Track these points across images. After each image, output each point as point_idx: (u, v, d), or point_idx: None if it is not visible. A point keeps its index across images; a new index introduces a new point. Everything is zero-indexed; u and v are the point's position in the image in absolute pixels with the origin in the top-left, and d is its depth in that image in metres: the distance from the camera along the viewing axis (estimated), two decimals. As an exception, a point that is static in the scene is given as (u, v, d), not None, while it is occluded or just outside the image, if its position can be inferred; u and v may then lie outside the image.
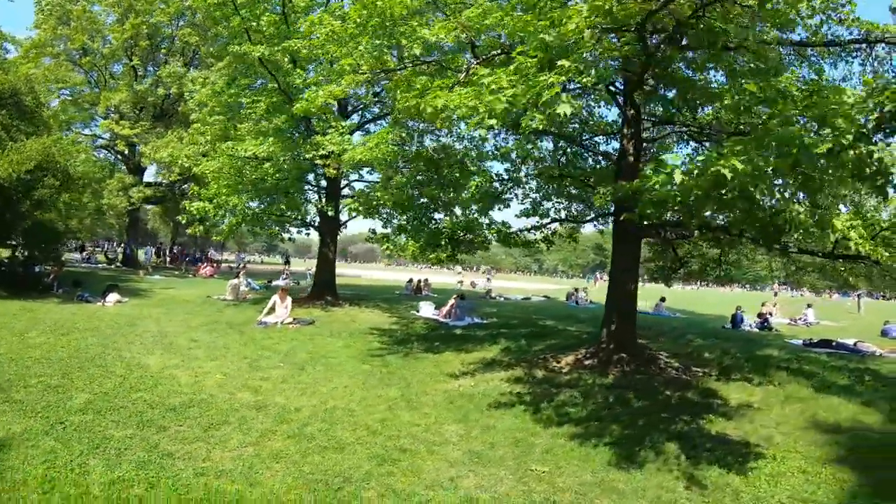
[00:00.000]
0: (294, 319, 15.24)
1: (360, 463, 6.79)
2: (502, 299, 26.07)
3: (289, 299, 15.78)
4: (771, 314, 21.33)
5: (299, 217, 18.32)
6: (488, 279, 33.77)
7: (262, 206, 17.68)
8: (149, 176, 35.19)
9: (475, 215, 12.79)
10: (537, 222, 13.44)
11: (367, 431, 7.91)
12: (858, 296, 36.05)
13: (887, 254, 7.97)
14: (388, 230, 14.59)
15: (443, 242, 12.55)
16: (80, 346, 11.20)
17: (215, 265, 33.73)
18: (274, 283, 25.66)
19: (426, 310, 17.92)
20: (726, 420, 8.69)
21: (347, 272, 46.72)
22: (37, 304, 15.09)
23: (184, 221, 18.75)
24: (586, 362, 11.61)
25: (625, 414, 8.98)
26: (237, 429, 7.66)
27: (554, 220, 13.77)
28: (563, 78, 6.24)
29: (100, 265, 33.47)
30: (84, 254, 36.25)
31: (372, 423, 8.24)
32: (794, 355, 13.31)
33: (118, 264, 34.06)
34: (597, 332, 14.00)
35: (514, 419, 8.70)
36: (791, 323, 21.78)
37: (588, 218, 13.72)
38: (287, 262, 44.58)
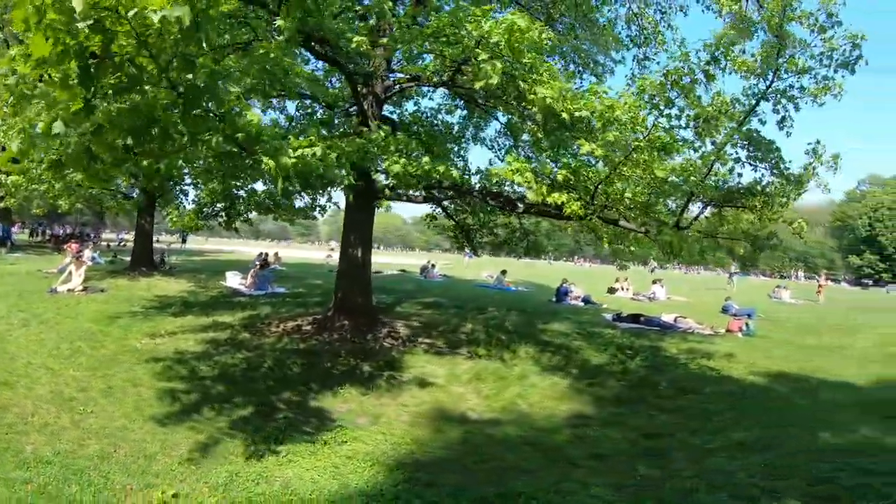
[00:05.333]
0: (85, 288, 16.11)
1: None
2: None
3: (83, 268, 16.74)
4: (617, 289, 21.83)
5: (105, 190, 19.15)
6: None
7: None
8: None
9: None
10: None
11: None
12: (731, 273, 36.19)
13: (564, 198, 8.44)
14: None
15: (203, 211, 13.22)
16: None
17: (78, 242, 34.85)
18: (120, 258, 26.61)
19: (233, 280, 19.13)
20: (365, 394, 9.62)
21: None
22: None
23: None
24: (305, 327, 12.77)
25: (250, 377, 10.13)
26: None
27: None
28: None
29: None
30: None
31: (16, 366, 9.84)
32: (581, 330, 14.31)
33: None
34: (388, 300, 14.59)
35: (140, 372, 10.07)
36: (635, 298, 22.18)
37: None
38: (183, 241, 46.69)
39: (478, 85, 8.53)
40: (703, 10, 13.14)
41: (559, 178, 9.26)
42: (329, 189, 12.58)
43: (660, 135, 8.42)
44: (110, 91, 5.59)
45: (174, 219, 14.56)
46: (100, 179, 8.35)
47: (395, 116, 15.00)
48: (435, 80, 11.10)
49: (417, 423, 8.54)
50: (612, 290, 23.23)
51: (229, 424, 8.10)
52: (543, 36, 8.80)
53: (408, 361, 11.01)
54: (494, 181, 10.06)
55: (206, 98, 5.79)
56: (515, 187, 10.87)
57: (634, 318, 16.00)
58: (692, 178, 9.18)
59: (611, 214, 9.94)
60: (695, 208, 10.74)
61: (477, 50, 8.43)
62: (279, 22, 7.70)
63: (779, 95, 9.21)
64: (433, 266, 27.86)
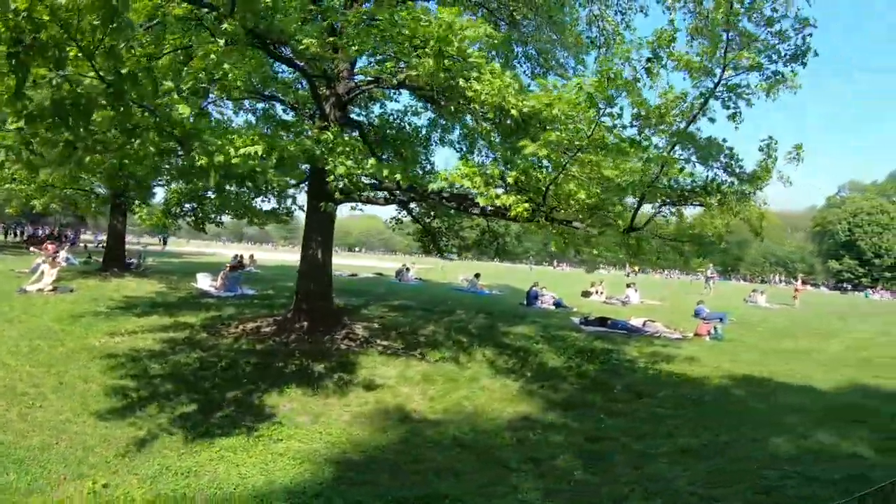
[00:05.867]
0: (54, 288, 16.36)
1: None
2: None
3: (56, 269, 16.95)
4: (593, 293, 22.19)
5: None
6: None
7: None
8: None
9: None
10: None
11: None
12: (708, 277, 36.64)
13: (511, 200, 8.60)
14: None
15: (171, 211, 13.37)
16: None
17: (55, 243, 35.14)
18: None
19: (203, 281, 19.43)
20: (312, 395, 9.89)
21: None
22: None
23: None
24: (264, 328, 12.94)
25: (201, 376, 10.42)
26: None
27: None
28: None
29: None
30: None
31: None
32: (545, 333, 14.53)
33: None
34: (357, 303, 14.80)
35: (93, 369, 10.38)
36: (608, 302, 22.47)
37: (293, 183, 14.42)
38: (164, 243, 47.53)
39: (400, 77, 8.74)
40: (662, 11, 13.38)
41: (510, 179, 9.48)
42: (280, 190, 12.80)
43: (603, 134, 8.59)
44: (42, 80, 5.91)
45: (143, 217, 14.77)
46: (37, 171, 8.62)
47: (362, 119, 15.30)
48: (394, 81, 11.33)
49: (357, 423, 8.82)
50: (586, 294, 23.56)
51: (170, 421, 8.41)
52: (481, 31, 8.92)
53: (360, 362, 11.28)
54: (454, 185, 10.20)
55: (130, 88, 6.06)
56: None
57: (601, 321, 16.28)
58: (642, 178, 9.31)
59: (563, 215, 10.09)
60: (651, 209, 10.96)
61: (425, 50, 8.64)
62: (224, 25, 7.95)
63: (728, 92, 9.34)
64: (408, 269, 28.14)
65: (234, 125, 13.80)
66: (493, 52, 14.64)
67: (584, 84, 8.15)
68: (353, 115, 15.00)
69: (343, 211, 15.07)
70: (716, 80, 9.23)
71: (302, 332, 12.33)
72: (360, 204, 13.89)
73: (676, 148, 9.61)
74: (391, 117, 14.99)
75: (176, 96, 6.94)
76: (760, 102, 9.38)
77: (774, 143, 9.69)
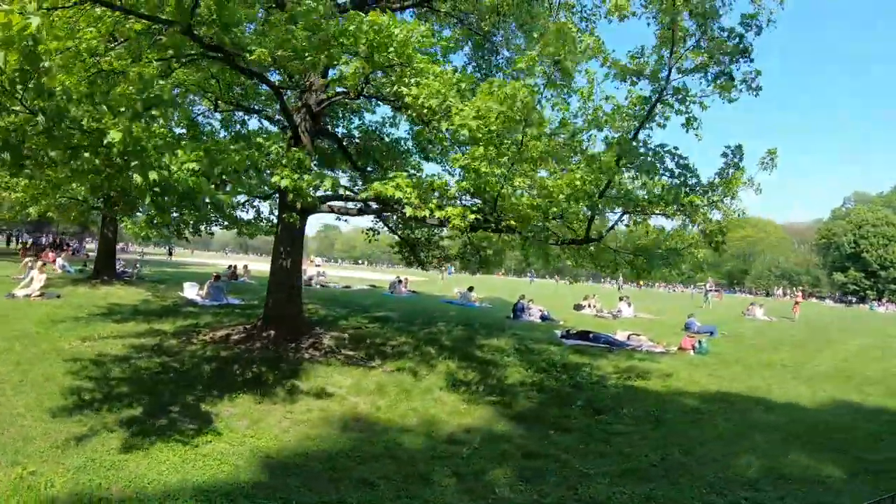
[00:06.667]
0: (41, 294, 17.16)
1: None
2: (319, 287, 28.59)
3: (44, 275, 17.71)
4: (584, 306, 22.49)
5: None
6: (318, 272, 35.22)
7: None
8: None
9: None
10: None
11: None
12: (707, 290, 36.27)
13: (453, 212, 8.96)
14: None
15: (154, 221, 14.03)
16: None
17: (55, 251, 36.41)
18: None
19: (189, 291, 20.06)
20: (260, 401, 10.28)
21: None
22: None
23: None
24: (234, 337, 13.42)
25: (158, 380, 10.97)
26: None
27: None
28: None
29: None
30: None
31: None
32: (521, 346, 14.94)
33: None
34: (341, 314, 15.36)
35: (57, 370, 10.98)
36: (599, 315, 22.67)
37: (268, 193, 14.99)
38: (170, 253, 49.11)
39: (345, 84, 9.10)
40: (619, 20, 13.57)
41: (452, 191, 9.86)
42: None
43: (537, 144, 8.86)
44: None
45: (128, 227, 15.50)
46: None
47: (343, 131, 15.90)
48: (359, 86, 11.76)
49: (294, 431, 9.21)
50: (578, 307, 23.78)
51: (116, 421, 8.93)
52: (417, 31, 9.19)
53: (317, 372, 11.76)
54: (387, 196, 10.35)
55: (58, 123, 6.71)
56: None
57: (583, 335, 16.50)
58: (587, 189, 9.41)
59: (515, 226, 10.35)
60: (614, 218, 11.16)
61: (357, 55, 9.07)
62: (163, 38, 8.52)
63: (675, 95, 9.59)
64: (400, 281, 28.64)
65: (220, 137, 14.43)
66: (474, 63, 15.10)
67: (493, 103, 8.40)
68: (336, 129, 15.62)
69: (346, 226, 15.68)
70: (661, 84, 9.49)
71: (268, 341, 12.89)
72: (342, 216, 14.41)
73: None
74: (370, 128, 15.54)
75: (109, 121, 7.46)
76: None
77: (740, 151, 9.83)
